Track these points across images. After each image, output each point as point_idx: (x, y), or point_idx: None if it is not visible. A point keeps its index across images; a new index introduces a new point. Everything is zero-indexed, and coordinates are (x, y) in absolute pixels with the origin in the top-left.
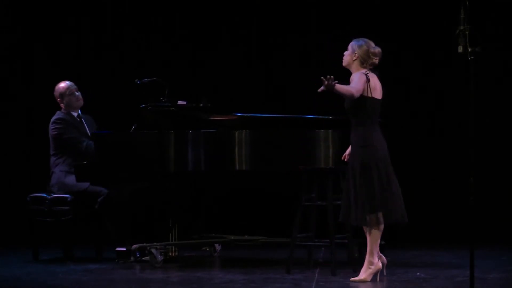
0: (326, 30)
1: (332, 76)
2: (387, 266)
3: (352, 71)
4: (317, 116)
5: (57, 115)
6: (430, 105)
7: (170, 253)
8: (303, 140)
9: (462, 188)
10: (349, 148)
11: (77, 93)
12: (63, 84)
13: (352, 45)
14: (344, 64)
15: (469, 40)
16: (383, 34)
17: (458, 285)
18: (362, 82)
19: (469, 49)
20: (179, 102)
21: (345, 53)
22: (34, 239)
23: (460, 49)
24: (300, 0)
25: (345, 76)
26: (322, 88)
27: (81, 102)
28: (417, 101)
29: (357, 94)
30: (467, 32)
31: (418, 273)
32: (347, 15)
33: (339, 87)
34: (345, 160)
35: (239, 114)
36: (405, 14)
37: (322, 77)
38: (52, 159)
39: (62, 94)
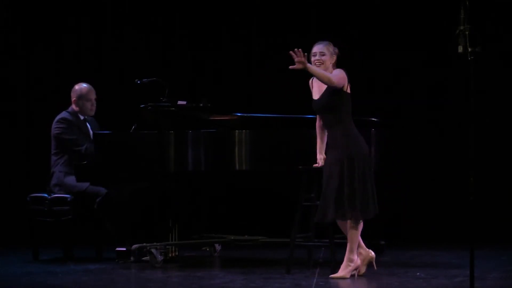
0: (326, 30)
1: (300, 49)
2: (388, 265)
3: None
4: None
5: (62, 114)
6: (430, 105)
7: (170, 253)
8: (303, 140)
9: (462, 188)
10: (320, 155)
11: (94, 102)
12: (85, 86)
13: (328, 48)
14: (323, 68)
15: (469, 40)
16: (383, 34)
17: (458, 285)
18: (344, 78)
19: (469, 49)
20: (179, 102)
21: (322, 57)
22: (34, 239)
23: (460, 49)
24: (300, 0)
25: None
26: (294, 66)
27: (93, 112)
28: (417, 101)
29: (336, 84)
30: (467, 32)
31: (418, 273)
32: (347, 16)
33: (315, 68)
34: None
35: (239, 114)
36: (405, 14)
37: (290, 52)
38: (53, 158)
39: (81, 96)
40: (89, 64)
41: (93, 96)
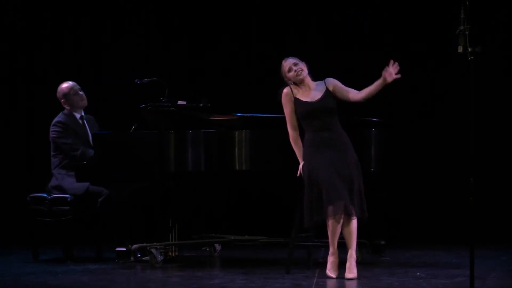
0: (326, 30)
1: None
2: (388, 266)
3: (309, 82)
4: None
5: (58, 117)
6: (430, 105)
7: (170, 253)
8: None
9: (462, 188)
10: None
11: (80, 93)
12: (66, 85)
13: (300, 61)
14: (304, 75)
15: (469, 40)
16: (383, 34)
17: (458, 285)
18: None
19: (469, 49)
20: (179, 102)
21: (302, 67)
22: (34, 239)
23: (460, 49)
24: (300, 0)
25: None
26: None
27: (85, 102)
28: (417, 101)
29: None
30: (467, 32)
31: (418, 273)
32: (347, 16)
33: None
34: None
35: (239, 114)
36: (405, 14)
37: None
38: (52, 160)
39: (66, 95)
40: (89, 64)
41: (77, 88)
